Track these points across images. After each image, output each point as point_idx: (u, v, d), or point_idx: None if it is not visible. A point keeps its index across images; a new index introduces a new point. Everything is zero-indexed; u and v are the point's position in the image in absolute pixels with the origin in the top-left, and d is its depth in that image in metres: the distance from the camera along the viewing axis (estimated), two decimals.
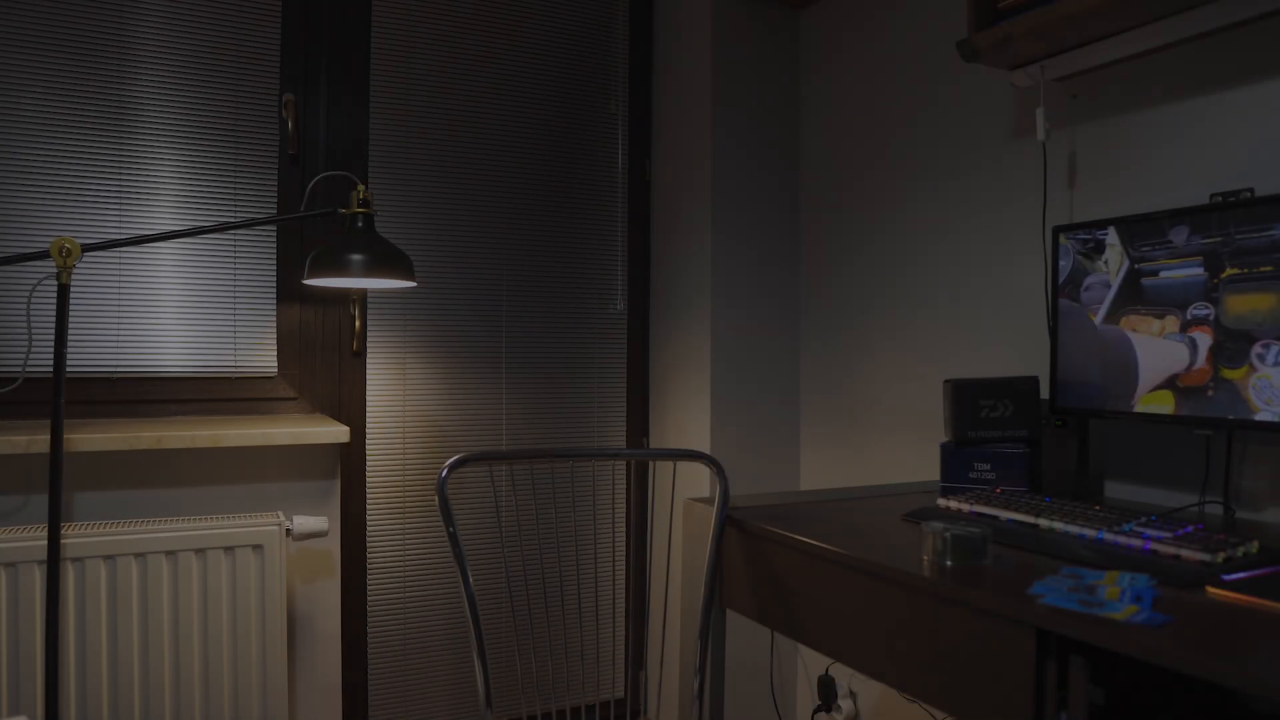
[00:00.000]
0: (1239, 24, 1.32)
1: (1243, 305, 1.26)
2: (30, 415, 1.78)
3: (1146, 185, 1.48)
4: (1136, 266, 1.41)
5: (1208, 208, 1.27)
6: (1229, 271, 1.27)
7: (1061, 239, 1.47)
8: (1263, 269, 1.23)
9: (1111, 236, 1.43)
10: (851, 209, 2.15)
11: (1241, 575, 0.98)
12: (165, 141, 1.91)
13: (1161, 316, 1.38)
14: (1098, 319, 1.47)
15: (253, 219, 1.96)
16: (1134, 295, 1.42)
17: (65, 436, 1.57)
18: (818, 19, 2.27)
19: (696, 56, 2.26)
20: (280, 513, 1.82)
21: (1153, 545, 1.07)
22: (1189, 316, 1.33)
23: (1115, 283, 1.44)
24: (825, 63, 2.25)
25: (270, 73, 2.00)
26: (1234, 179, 1.34)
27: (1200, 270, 1.31)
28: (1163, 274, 1.37)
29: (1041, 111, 1.57)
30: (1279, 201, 1.18)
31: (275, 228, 2.00)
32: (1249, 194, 1.28)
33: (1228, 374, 1.27)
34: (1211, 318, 1.30)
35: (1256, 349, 1.24)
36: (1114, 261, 1.45)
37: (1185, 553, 1.03)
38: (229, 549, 1.71)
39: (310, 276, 1.73)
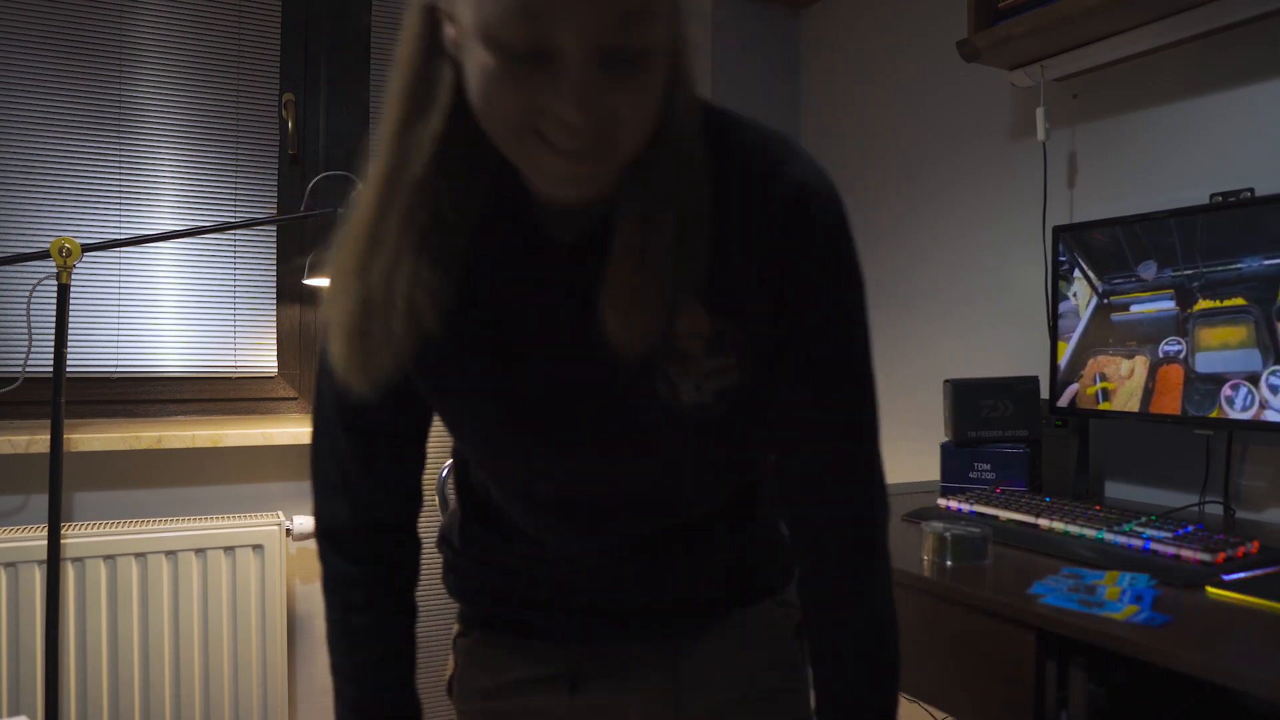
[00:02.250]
0: (1239, 24, 1.32)
1: (1215, 339, 1.24)
2: (30, 415, 1.78)
3: (1146, 185, 1.48)
4: (1105, 301, 1.39)
5: (1207, 207, 1.27)
6: (1201, 305, 1.26)
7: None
8: (1233, 301, 1.22)
9: (1078, 271, 1.42)
10: (851, 209, 2.14)
11: (1241, 575, 0.98)
12: (165, 141, 1.91)
13: (1131, 357, 1.35)
14: (1064, 357, 1.46)
15: (253, 219, 1.95)
16: (1103, 333, 1.39)
17: (65, 436, 1.57)
18: (818, 19, 2.27)
19: (696, 56, 2.26)
20: (280, 513, 1.82)
21: (1153, 545, 1.07)
22: (1160, 354, 1.31)
23: (1084, 317, 1.42)
24: (825, 63, 2.25)
25: (270, 73, 1.99)
26: (1234, 179, 1.34)
27: (1171, 304, 1.29)
28: (1133, 308, 1.35)
29: (1042, 111, 1.57)
30: (1279, 201, 1.18)
31: (275, 228, 2.00)
32: (1249, 194, 1.28)
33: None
34: (1183, 355, 1.28)
35: (1225, 391, 1.23)
36: (1082, 294, 1.43)
37: (1185, 553, 1.03)
38: (229, 549, 1.71)
39: (310, 276, 1.73)
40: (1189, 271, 1.26)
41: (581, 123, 0.54)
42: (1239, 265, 1.20)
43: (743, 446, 0.75)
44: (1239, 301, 1.20)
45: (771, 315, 0.66)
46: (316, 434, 0.79)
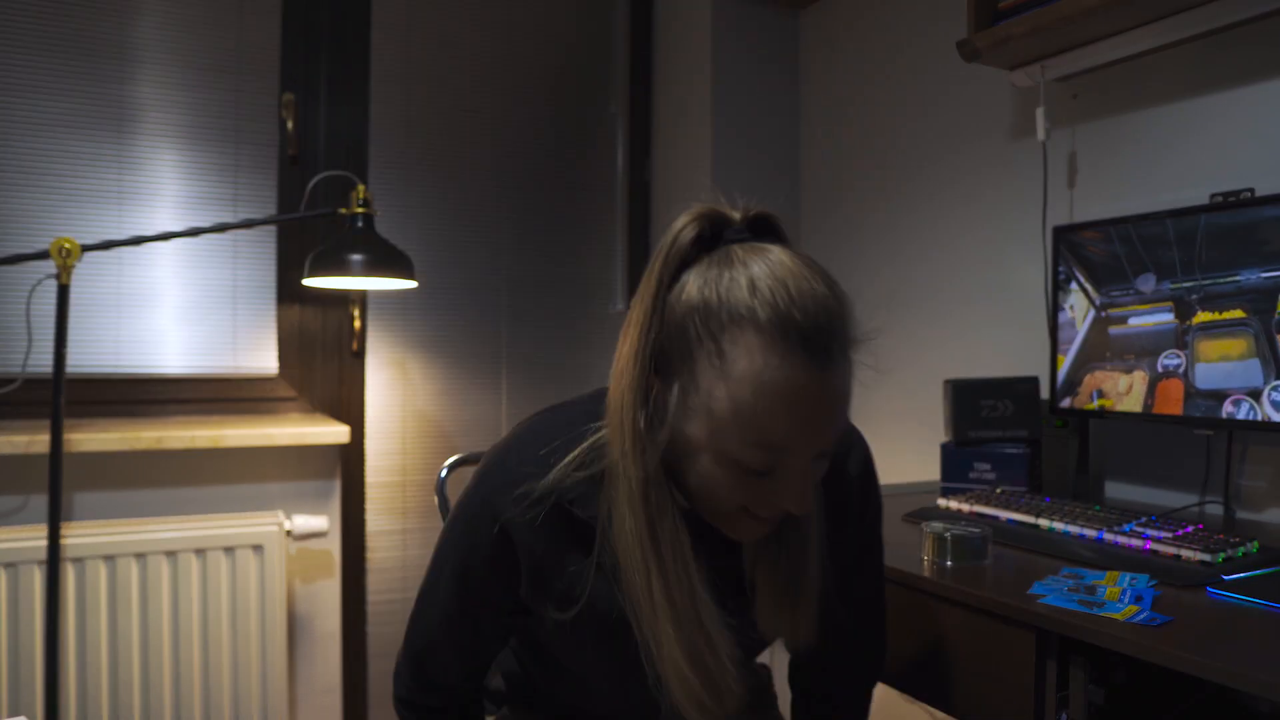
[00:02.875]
0: (1239, 24, 1.32)
1: (1214, 351, 1.22)
2: (30, 415, 1.77)
3: (1146, 185, 1.48)
4: (1103, 314, 1.38)
5: (1207, 207, 1.26)
6: (1200, 317, 1.24)
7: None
8: (1232, 313, 1.19)
9: (1075, 284, 1.41)
10: (851, 209, 2.15)
11: (1241, 575, 0.98)
12: (165, 141, 1.91)
13: (1130, 371, 1.33)
14: (1063, 368, 1.44)
15: (253, 219, 1.95)
16: (1100, 347, 1.37)
17: (65, 436, 1.56)
18: (818, 19, 2.27)
19: (696, 56, 2.26)
20: (280, 513, 1.82)
21: (1153, 545, 1.07)
22: (1160, 369, 1.29)
23: (1082, 329, 1.41)
24: (825, 63, 2.25)
25: (270, 73, 1.99)
26: (1234, 179, 1.34)
27: (1170, 317, 1.27)
28: (1131, 321, 1.33)
29: (1041, 111, 1.57)
30: (1279, 201, 1.17)
31: (275, 228, 2.00)
32: (1249, 194, 1.28)
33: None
34: (1183, 369, 1.26)
35: (1227, 407, 1.22)
36: (1080, 307, 1.42)
37: (1185, 553, 1.03)
38: (229, 549, 1.71)
39: (310, 277, 1.73)
40: (1188, 284, 1.25)
41: (801, 511, 0.69)
42: (1238, 277, 1.20)
43: None
44: (1238, 314, 1.19)
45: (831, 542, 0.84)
46: (428, 630, 0.86)
